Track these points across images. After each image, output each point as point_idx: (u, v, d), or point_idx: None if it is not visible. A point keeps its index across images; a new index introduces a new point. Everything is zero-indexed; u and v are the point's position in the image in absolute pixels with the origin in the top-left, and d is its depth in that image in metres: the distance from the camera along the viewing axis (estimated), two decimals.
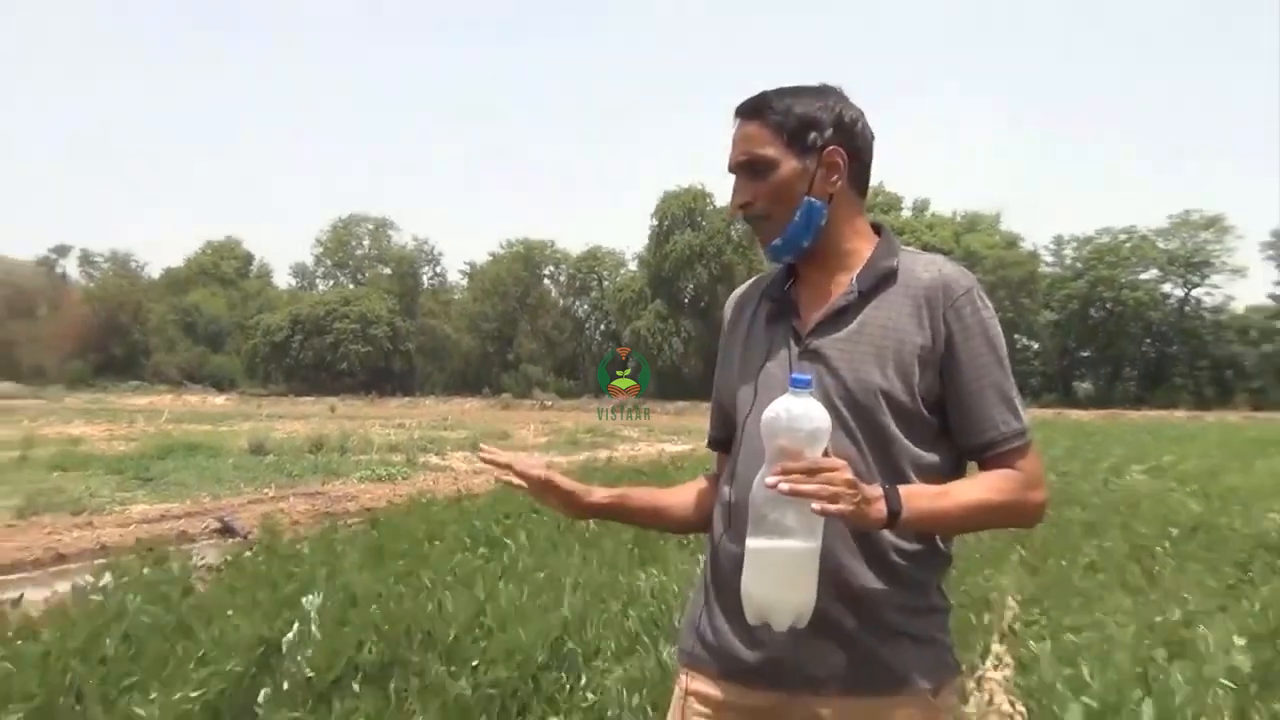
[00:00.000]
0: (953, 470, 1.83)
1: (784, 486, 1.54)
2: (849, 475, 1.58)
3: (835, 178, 1.81)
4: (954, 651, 1.89)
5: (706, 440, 2.11)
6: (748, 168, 1.82)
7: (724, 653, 1.85)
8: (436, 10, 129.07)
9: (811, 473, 1.55)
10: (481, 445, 2.11)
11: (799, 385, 1.60)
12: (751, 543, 1.62)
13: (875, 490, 1.62)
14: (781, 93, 1.84)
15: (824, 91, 1.84)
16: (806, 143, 1.80)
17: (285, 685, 3.75)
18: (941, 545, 1.84)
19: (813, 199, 1.80)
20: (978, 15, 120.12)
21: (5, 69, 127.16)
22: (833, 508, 1.54)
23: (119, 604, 4.68)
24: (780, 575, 1.62)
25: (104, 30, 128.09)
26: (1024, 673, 4.78)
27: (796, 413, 1.58)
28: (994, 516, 1.80)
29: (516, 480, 1.95)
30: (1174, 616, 5.30)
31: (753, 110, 1.83)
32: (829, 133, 1.80)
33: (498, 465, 1.97)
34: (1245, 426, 35.60)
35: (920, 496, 1.69)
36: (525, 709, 3.91)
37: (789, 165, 1.80)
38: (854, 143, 1.83)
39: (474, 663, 3.99)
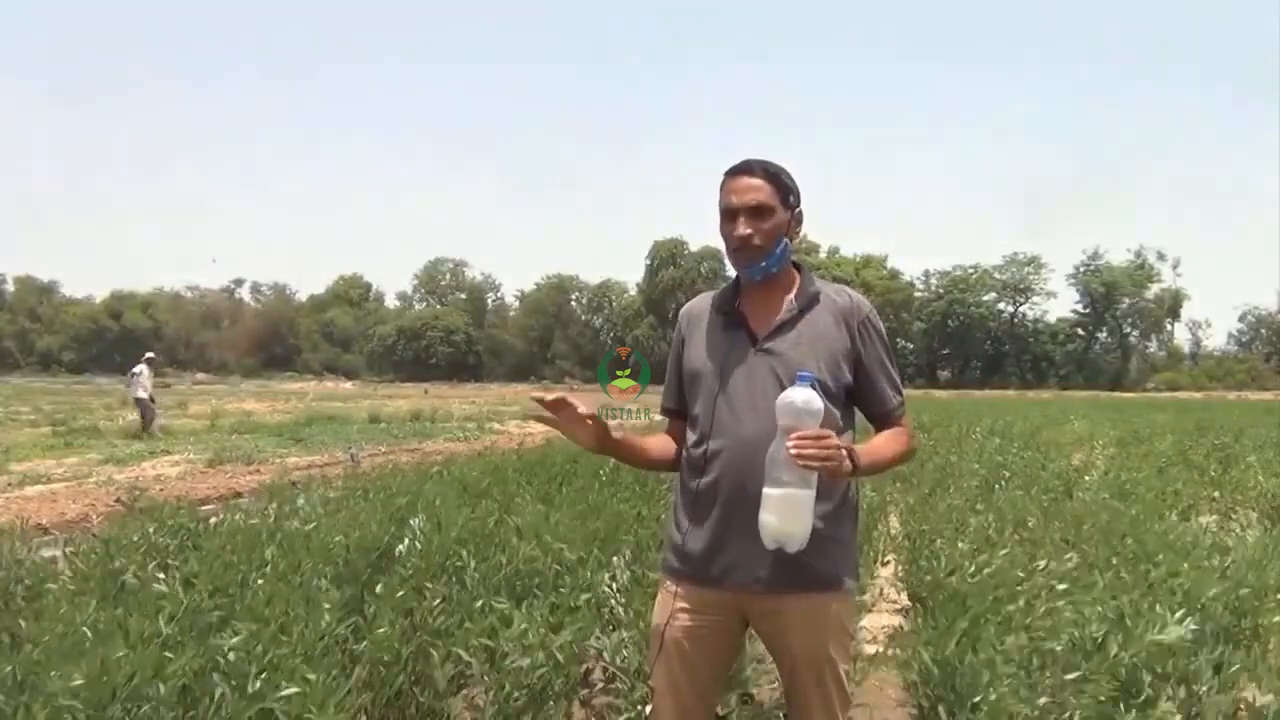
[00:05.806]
0: (849, 428, 1.87)
1: (804, 452, 1.56)
2: (838, 442, 1.61)
3: (796, 229, 1.86)
4: (858, 560, 1.93)
5: (660, 409, 2.05)
6: (755, 211, 1.79)
7: (698, 565, 1.83)
8: (512, 98, 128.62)
9: (817, 440, 1.57)
10: (533, 398, 1.88)
11: (804, 379, 1.64)
12: (770, 490, 1.63)
13: (846, 451, 1.65)
14: (776, 165, 1.84)
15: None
16: (789, 202, 1.83)
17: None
18: (852, 496, 1.86)
19: (786, 240, 1.83)
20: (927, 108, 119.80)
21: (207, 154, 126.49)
22: (830, 465, 1.57)
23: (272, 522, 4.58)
24: (792, 513, 1.63)
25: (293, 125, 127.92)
26: (913, 569, 4.72)
27: (801, 397, 1.61)
28: (899, 459, 1.87)
29: (572, 414, 1.79)
30: (1008, 528, 5.24)
31: (764, 172, 1.80)
32: (798, 199, 1.84)
33: (549, 406, 1.80)
34: (1054, 401, 35.61)
35: (865, 454, 1.71)
36: (552, 589, 3.77)
37: (781, 215, 1.82)
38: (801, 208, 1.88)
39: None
